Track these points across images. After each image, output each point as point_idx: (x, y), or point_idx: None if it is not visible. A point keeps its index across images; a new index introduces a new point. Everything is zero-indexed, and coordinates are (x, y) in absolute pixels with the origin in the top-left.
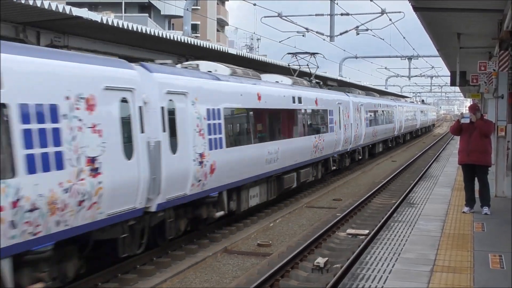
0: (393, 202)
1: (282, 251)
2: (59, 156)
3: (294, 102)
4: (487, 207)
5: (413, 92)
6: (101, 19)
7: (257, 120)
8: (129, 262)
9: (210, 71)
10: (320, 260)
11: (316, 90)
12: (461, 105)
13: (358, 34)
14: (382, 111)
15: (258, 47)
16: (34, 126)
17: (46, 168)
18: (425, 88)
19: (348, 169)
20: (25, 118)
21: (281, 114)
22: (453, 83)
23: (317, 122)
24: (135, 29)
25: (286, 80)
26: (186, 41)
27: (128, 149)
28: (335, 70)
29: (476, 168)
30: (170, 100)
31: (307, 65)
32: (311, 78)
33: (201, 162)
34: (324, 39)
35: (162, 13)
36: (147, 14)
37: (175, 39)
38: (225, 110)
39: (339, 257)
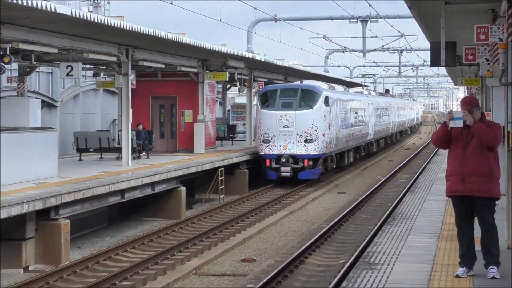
0: (342, 262)
1: None
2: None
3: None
4: (494, 267)
5: (370, 76)
6: None
7: (355, 115)
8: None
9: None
10: None
11: (369, 96)
12: (449, 97)
13: None
14: (357, 109)
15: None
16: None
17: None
18: (391, 71)
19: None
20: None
21: (359, 112)
22: (435, 62)
23: (366, 117)
24: None
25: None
26: None
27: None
28: (241, 40)
29: (476, 203)
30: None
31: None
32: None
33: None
34: None
35: None
36: None
37: None
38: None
39: None
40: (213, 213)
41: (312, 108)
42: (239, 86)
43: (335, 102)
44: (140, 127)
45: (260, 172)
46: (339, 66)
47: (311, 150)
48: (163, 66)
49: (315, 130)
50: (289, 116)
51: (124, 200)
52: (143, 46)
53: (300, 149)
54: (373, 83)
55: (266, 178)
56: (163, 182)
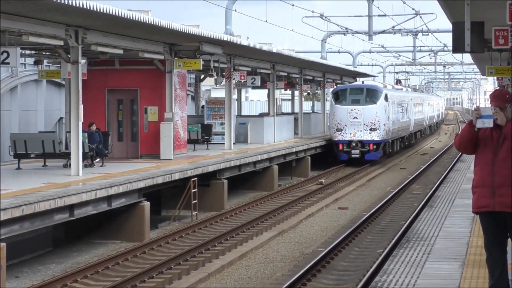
0: None
1: None
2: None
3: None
4: None
5: (377, 64)
6: None
7: (402, 109)
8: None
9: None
10: None
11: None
12: (474, 90)
13: None
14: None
15: None
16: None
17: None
18: (402, 58)
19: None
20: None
21: (404, 107)
22: (458, 47)
23: (409, 111)
24: None
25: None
26: None
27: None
28: (218, 20)
29: (510, 221)
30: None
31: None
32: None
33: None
34: None
35: None
36: None
37: None
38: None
39: None
40: (184, 233)
41: (375, 104)
42: (216, 77)
43: (391, 99)
44: (93, 127)
45: (331, 155)
46: (339, 52)
47: (375, 136)
48: (121, 51)
49: (378, 121)
50: (358, 110)
51: (73, 218)
52: (96, 27)
53: (366, 136)
54: (381, 73)
55: (338, 159)
56: (122, 195)
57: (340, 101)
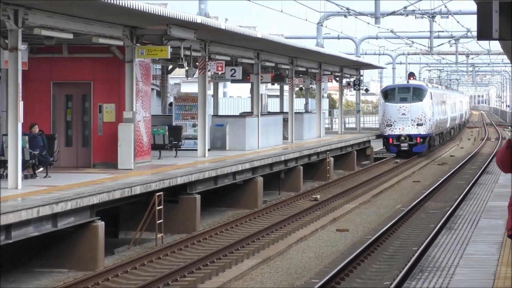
0: None
1: None
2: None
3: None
4: None
5: (385, 53)
6: None
7: (450, 104)
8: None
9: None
10: None
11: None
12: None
13: None
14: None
15: None
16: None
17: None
18: (416, 46)
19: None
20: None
21: (447, 104)
22: (484, 33)
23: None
24: None
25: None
26: None
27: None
28: (191, 1)
29: None
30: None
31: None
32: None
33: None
34: None
35: None
36: None
37: None
38: (436, 100)
39: None
40: (146, 261)
41: (422, 101)
42: (187, 68)
43: (435, 97)
44: (36, 129)
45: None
46: (339, 38)
47: (422, 131)
48: (71, 36)
49: (424, 117)
50: (406, 107)
51: (10, 242)
52: (40, 5)
53: (413, 130)
54: (391, 64)
55: (388, 151)
56: (71, 213)
57: (389, 99)
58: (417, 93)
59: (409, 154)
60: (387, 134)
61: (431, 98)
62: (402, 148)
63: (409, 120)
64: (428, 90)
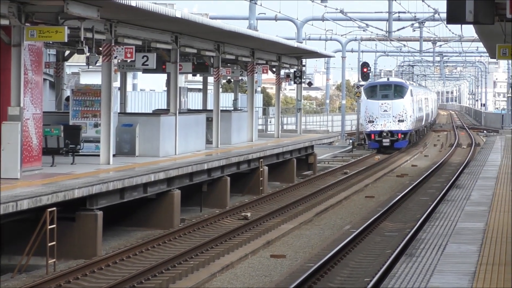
0: None
1: None
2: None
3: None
4: None
5: (333, 38)
6: None
7: (425, 102)
8: None
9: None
10: None
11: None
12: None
13: None
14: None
15: None
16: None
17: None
18: (372, 30)
19: None
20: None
21: (427, 101)
22: (455, 16)
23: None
24: None
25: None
26: None
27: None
28: None
29: None
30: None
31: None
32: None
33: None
34: None
35: None
36: None
37: None
38: (416, 97)
39: None
40: None
41: (403, 98)
42: (88, 54)
43: (415, 94)
44: None
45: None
46: (276, 19)
47: (403, 127)
48: None
49: (405, 113)
50: (387, 104)
51: None
52: None
53: (395, 126)
54: (339, 52)
55: (369, 148)
56: None
57: (372, 96)
58: (398, 90)
59: (391, 148)
60: (369, 130)
61: (412, 95)
62: (384, 144)
63: (391, 116)
64: (409, 87)
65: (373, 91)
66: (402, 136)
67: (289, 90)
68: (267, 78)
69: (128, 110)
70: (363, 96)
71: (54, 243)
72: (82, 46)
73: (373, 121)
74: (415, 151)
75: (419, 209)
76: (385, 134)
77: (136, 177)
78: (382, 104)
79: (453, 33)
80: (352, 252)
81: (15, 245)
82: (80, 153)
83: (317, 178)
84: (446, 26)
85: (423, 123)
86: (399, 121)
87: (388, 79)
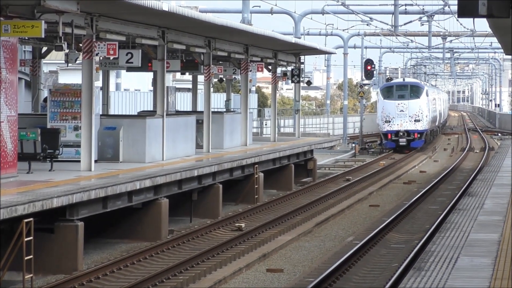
0: None
1: None
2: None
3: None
4: None
5: (334, 33)
6: None
7: (438, 102)
8: None
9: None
10: None
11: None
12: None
13: None
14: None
15: None
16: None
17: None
18: (376, 24)
19: None
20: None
21: (437, 101)
22: (466, 9)
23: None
24: None
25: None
26: None
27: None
28: None
29: None
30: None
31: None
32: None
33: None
34: None
35: None
36: None
37: None
38: (431, 97)
39: None
40: None
41: (419, 98)
42: (67, 51)
43: (430, 94)
44: None
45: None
46: (272, 13)
47: (419, 126)
48: None
49: (421, 113)
50: (404, 104)
51: None
52: None
53: (411, 126)
54: (341, 48)
55: (386, 147)
56: None
57: (388, 96)
58: (415, 91)
59: (408, 148)
60: (385, 130)
61: (427, 96)
62: (400, 143)
63: (407, 116)
64: (424, 87)
65: (389, 92)
66: (418, 135)
67: (286, 89)
68: (262, 77)
69: (111, 111)
70: (379, 96)
71: (31, 256)
72: (60, 42)
73: (389, 121)
74: (423, 156)
75: (428, 219)
76: (401, 133)
77: (120, 184)
78: (398, 104)
79: (464, 27)
80: (355, 266)
81: None
82: (59, 159)
83: (317, 185)
84: (457, 20)
85: (436, 124)
86: (415, 121)
87: (403, 79)
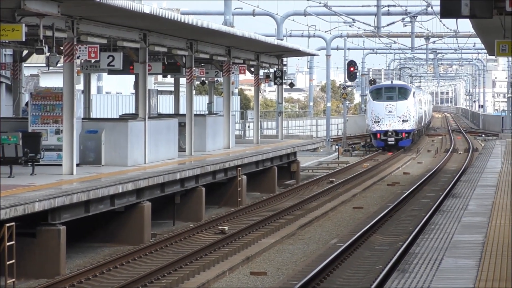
0: None
1: None
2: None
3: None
4: None
5: (317, 34)
6: None
7: (423, 103)
8: None
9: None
10: None
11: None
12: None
13: None
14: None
15: None
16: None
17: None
18: (358, 26)
19: None
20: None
21: (422, 102)
22: (449, 10)
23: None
24: None
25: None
26: None
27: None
28: None
29: None
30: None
31: None
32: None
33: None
34: None
35: None
36: None
37: None
38: (417, 98)
39: None
40: None
41: (406, 99)
42: (48, 54)
43: (417, 95)
44: None
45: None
46: (254, 14)
47: (407, 126)
48: None
49: (409, 114)
50: (392, 105)
51: None
52: None
53: (399, 126)
54: (323, 49)
55: (375, 146)
56: None
57: (377, 98)
58: (402, 92)
59: (396, 147)
60: (375, 130)
61: (414, 97)
62: (389, 142)
63: (395, 117)
64: (412, 89)
65: (378, 93)
66: (406, 135)
67: (269, 92)
68: (244, 79)
69: (93, 115)
70: (369, 97)
71: (13, 261)
72: (41, 45)
73: (379, 121)
74: (407, 158)
75: (412, 220)
76: (390, 133)
77: (102, 188)
78: (387, 105)
79: (447, 28)
80: (339, 268)
81: None
82: (41, 163)
83: (300, 187)
84: (440, 21)
85: (422, 124)
86: (403, 121)
87: (392, 82)
